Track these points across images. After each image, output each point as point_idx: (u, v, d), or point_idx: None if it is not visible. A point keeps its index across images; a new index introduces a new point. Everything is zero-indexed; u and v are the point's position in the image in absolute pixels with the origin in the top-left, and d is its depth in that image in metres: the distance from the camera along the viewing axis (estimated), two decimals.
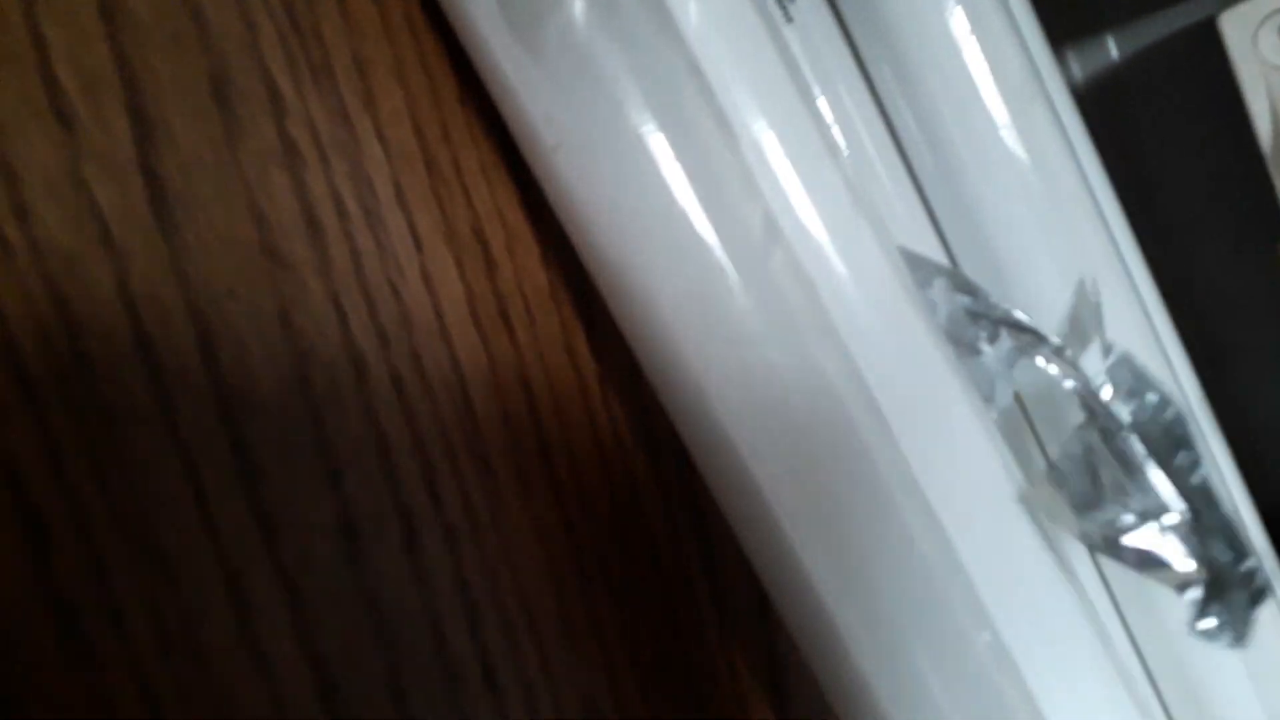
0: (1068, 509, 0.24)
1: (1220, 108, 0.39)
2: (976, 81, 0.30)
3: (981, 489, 0.23)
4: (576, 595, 0.21)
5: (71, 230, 0.15)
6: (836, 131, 0.29)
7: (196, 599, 0.15)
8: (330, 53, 0.20)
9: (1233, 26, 0.37)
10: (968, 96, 0.30)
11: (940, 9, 0.29)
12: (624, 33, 0.20)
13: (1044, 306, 0.30)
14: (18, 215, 0.15)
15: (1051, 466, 0.25)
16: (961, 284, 0.26)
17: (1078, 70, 0.44)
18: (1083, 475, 0.25)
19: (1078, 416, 0.27)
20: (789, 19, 0.28)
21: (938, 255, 0.31)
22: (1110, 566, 0.31)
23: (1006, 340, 0.26)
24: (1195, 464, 0.28)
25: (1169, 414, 0.28)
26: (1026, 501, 0.23)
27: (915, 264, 0.26)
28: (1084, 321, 0.29)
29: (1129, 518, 0.25)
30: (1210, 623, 0.25)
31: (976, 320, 0.26)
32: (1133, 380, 0.29)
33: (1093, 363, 0.29)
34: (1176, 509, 0.25)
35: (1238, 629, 0.25)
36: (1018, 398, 0.30)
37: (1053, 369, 0.27)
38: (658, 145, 0.21)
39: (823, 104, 0.29)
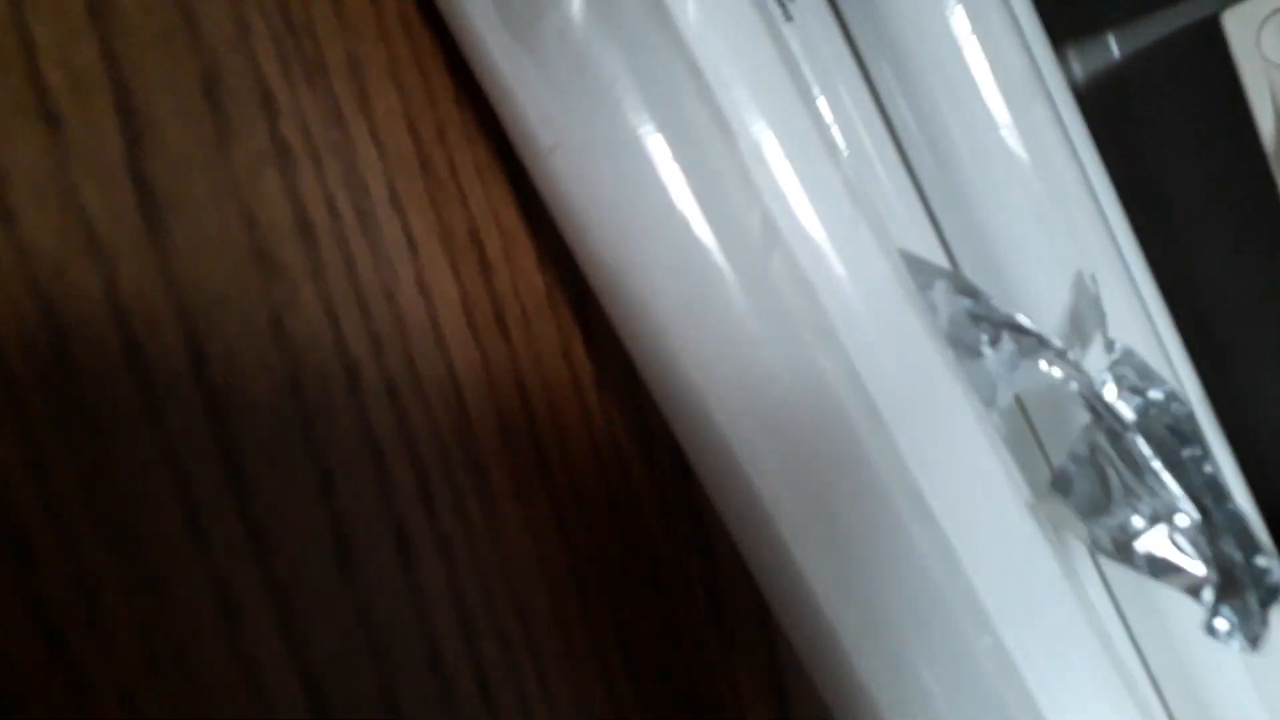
0: (1075, 517, 0.24)
1: (1222, 107, 0.38)
2: (977, 80, 0.29)
3: (983, 493, 0.23)
4: (573, 604, 0.21)
5: (58, 234, 0.15)
6: (836, 131, 0.28)
7: (185, 612, 0.15)
8: (324, 52, 0.19)
9: (1235, 24, 0.37)
10: (968, 96, 0.30)
11: (941, 8, 0.29)
12: (622, 32, 0.20)
13: (1045, 307, 0.30)
14: (3, 219, 0.15)
15: (1057, 471, 0.25)
16: (963, 286, 0.26)
17: (1079, 69, 0.43)
18: (1090, 478, 0.25)
19: (1082, 419, 0.27)
20: (789, 18, 0.27)
21: (938, 255, 0.30)
22: (1112, 568, 0.31)
23: (1009, 343, 0.26)
24: (1203, 458, 0.28)
25: (1175, 409, 0.28)
26: (1034, 510, 0.23)
27: (916, 266, 0.26)
28: (1084, 316, 0.29)
29: (1139, 521, 0.25)
30: (1223, 624, 0.25)
31: (978, 323, 0.26)
32: (1136, 376, 0.28)
33: (1096, 360, 0.28)
34: (1186, 510, 0.25)
35: (1252, 630, 0.25)
36: (1020, 402, 0.30)
37: (1056, 371, 0.27)
38: (656, 146, 0.20)
39: (822, 104, 0.28)
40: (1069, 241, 0.30)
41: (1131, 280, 0.33)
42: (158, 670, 0.15)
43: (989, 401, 0.26)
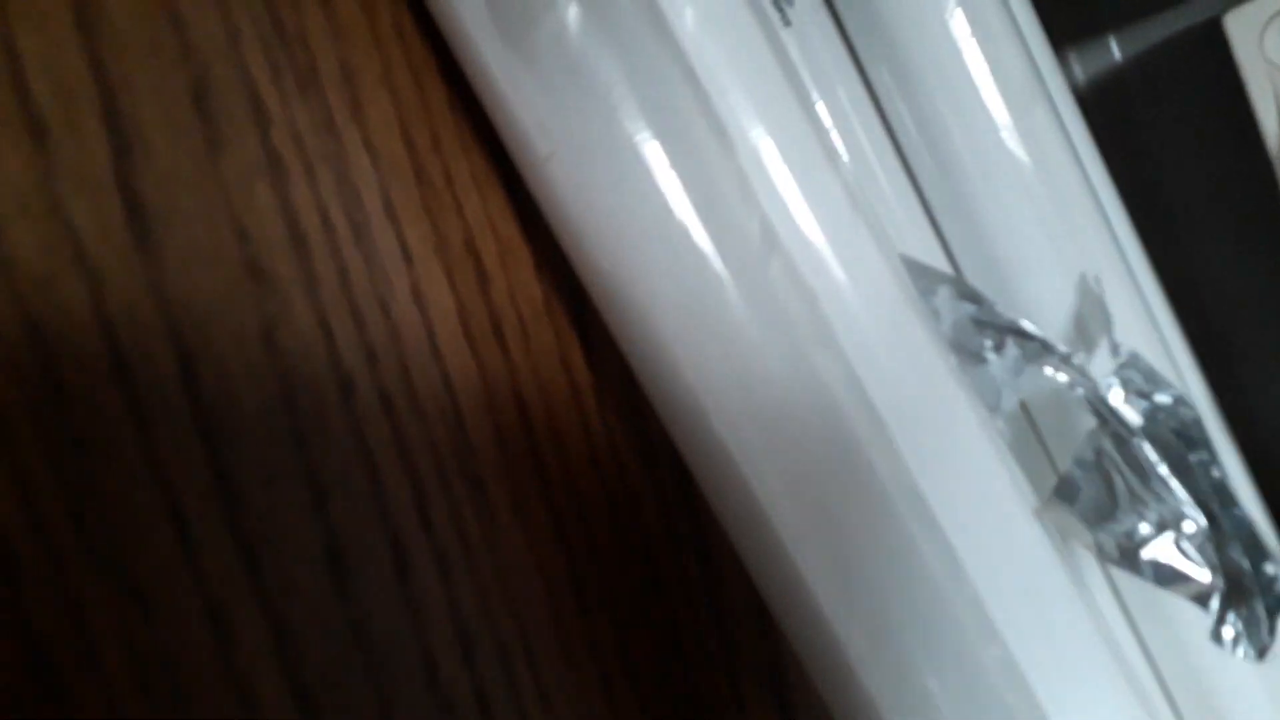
0: (1081, 524, 0.24)
1: (1225, 108, 0.38)
2: (977, 84, 0.29)
3: (988, 500, 0.22)
4: (573, 616, 0.21)
5: (44, 249, 0.15)
6: (835, 136, 0.28)
7: (176, 632, 0.15)
8: (316, 60, 0.19)
9: (1238, 26, 0.36)
10: (969, 99, 0.30)
11: (940, 11, 0.29)
12: (618, 38, 0.20)
13: (1048, 310, 0.29)
14: None
15: (1062, 477, 0.25)
16: (966, 292, 0.26)
17: (1080, 71, 0.43)
18: (1096, 484, 0.25)
19: (1088, 424, 0.26)
20: (787, 22, 0.27)
21: (939, 260, 0.30)
22: (1122, 576, 0.30)
23: (1013, 348, 0.26)
24: (1210, 463, 0.27)
25: (1182, 413, 0.28)
26: (1040, 517, 0.23)
27: (918, 272, 0.25)
28: (1089, 320, 0.29)
29: (1146, 528, 0.24)
30: (1230, 633, 0.25)
31: (981, 329, 0.26)
32: (1143, 380, 0.28)
33: (1101, 364, 0.28)
34: (1193, 516, 0.25)
35: (1259, 639, 0.25)
36: (1025, 407, 0.30)
37: (1061, 377, 0.26)
38: (653, 153, 0.20)
39: (821, 108, 0.28)
40: (1072, 245, 0.30)
41: (1136, 284, 0.32)
42: (149, 691, 0.14)
43: (993, 408, 0.25)
